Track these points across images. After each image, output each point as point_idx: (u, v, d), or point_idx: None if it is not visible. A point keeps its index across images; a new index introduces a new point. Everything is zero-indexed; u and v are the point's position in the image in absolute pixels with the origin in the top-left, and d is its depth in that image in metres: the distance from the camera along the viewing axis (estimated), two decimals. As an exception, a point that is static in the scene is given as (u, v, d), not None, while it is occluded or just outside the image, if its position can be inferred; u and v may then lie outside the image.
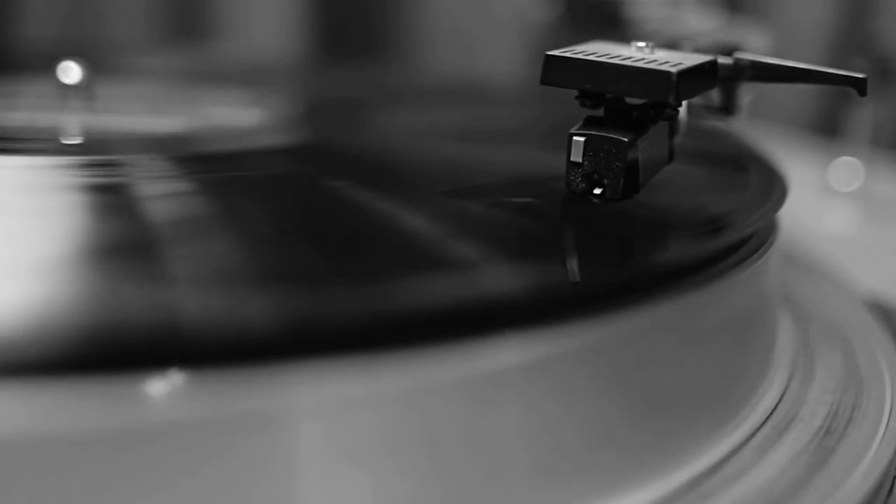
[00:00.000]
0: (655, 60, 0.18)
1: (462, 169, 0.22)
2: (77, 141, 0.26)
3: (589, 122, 0.18)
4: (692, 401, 0.16)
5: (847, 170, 0.38)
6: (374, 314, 0.13)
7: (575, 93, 0.18)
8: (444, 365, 0.13)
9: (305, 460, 0.12)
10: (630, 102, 0.19)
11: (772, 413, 0.18)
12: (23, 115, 0.27)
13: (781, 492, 0.15)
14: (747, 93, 0.22)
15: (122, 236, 0.16)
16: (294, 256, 0.15)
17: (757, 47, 0.24)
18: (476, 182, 0.20)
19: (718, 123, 0.24)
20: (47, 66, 0.28)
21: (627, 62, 0.18)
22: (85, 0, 0.55)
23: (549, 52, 0.18)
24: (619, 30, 0.30)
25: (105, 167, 0.21)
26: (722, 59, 0.19)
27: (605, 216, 0.18)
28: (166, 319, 0.12)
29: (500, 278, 0.15)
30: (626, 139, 0.18)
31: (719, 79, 0.19)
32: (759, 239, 0.19)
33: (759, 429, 0.17)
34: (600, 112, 0.19)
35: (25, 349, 0.11)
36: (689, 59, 0.18)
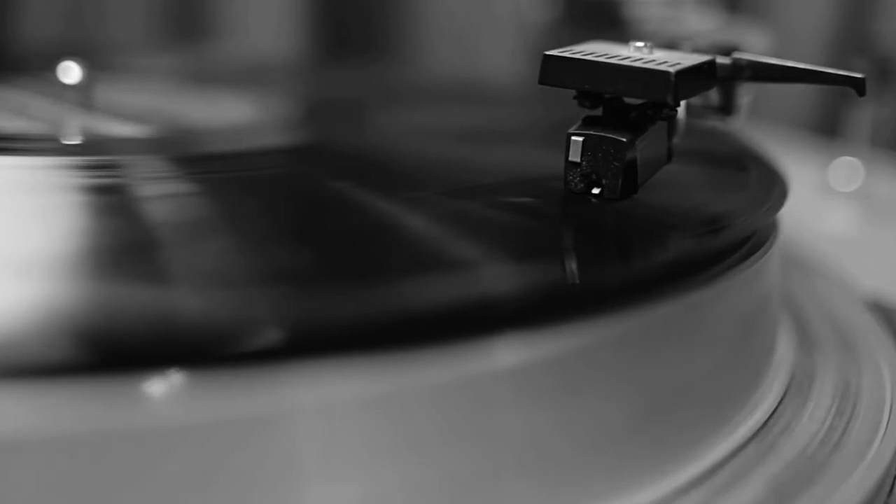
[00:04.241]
0: (654, 60, 0.18)
1: (462, 169, 0.22)
2: (77, 141, 0.26)
3: (587, 122, 0.18)
4: (692, 401, 0.16)
5: (847, 170, 0.38)
6: (374, 316, 0.13)
7: (574, 93, 0.18)
8: (444, 365, 0.13)
9: (304, 461, 0.12)
10: (628, 102, 0.19)
11: (772, 413, 0.18)
12: (23, 114, 0.27)
13: (782, 492, 0.15)
14: (746, 93, 0.22)
15: (121, 237, 0.16)
16: (294, 257, 0.15)
17: (756, 47, 0.24)
18: (476, 182, 0.20)
19: (718, 123, 0.24)
20: (47, 66, 0.28)
21: (626, 62, 0.18)
22: (85, 0, 0.55)
23: (547, 52, 0.18)
24: (618, 30, 0.30)
25: (105, 168, 0.21)
26: (720, 59, 0.19)
27: (604, 216, 0.18)
28: (166, 321, 0.12)
29: (499, 279, 0.15)
30: (624, 139, 0.18)
31: (718, 79, 0.19)
32: (759, 239, 0.19)
33: (759, 429, 0.17)
34: (599, 112, 0.19)
35: (25, 350, 0.12)
36: (688, 59, 0.18)
